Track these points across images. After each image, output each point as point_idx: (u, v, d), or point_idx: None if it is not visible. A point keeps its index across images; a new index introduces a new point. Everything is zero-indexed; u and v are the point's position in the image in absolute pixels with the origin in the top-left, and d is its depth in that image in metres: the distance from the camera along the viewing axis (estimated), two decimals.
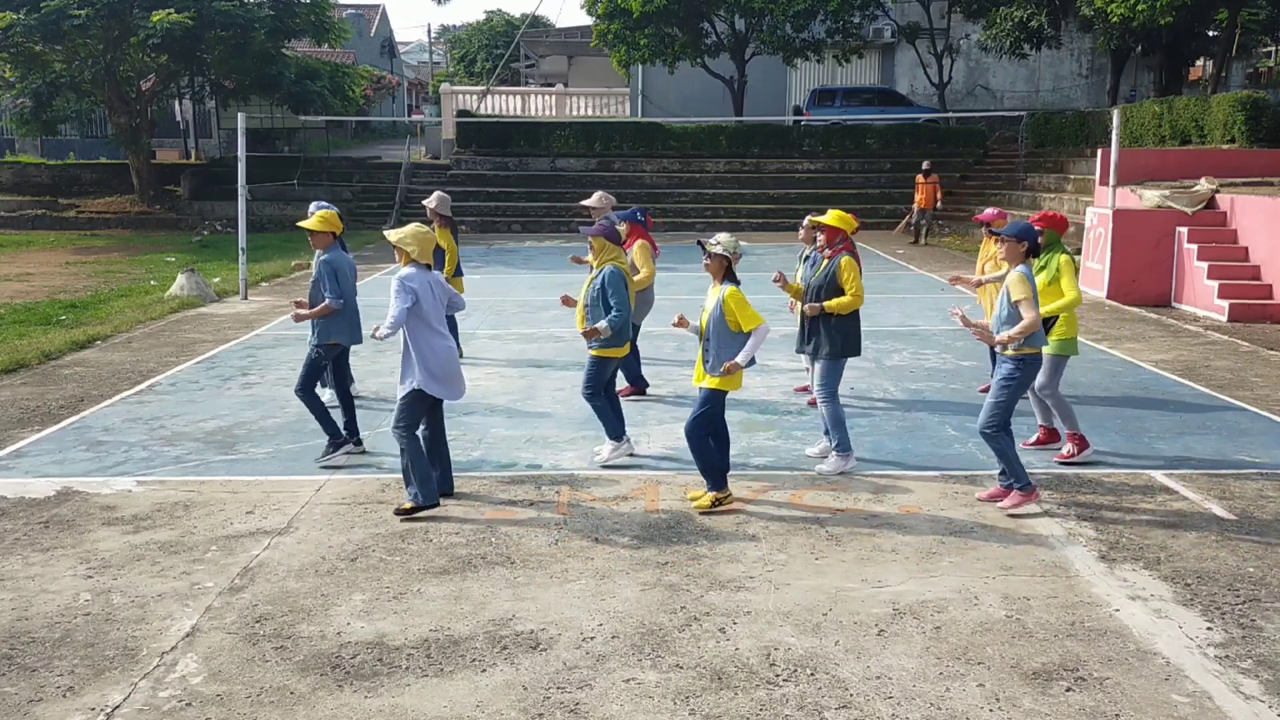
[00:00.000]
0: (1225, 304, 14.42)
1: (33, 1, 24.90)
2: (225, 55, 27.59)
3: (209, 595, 5.65)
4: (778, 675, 4.81)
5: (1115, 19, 23.63)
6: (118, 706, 4.56)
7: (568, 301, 8.20)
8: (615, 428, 7.90)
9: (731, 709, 4.54)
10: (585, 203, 10.40)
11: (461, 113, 33.05)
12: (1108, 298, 15.87)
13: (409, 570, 5.97)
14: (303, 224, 8.07)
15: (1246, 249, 15.45)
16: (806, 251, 9.05)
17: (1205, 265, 15.10)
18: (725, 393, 6.85)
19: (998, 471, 7.09)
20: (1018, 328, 6.61)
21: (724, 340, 6.71)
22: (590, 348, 7.75)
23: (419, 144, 36.78)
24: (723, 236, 6.90)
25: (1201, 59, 35.06)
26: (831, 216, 7.70)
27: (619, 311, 7.59)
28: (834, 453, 7.77)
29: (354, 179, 31.30)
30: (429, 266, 6.92)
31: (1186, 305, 15.34)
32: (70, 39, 25.96)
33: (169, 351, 12.23)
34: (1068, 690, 4.70)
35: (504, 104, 36.49)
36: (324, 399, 8.15)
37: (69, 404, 9.75)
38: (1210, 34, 29.14)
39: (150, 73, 29.28)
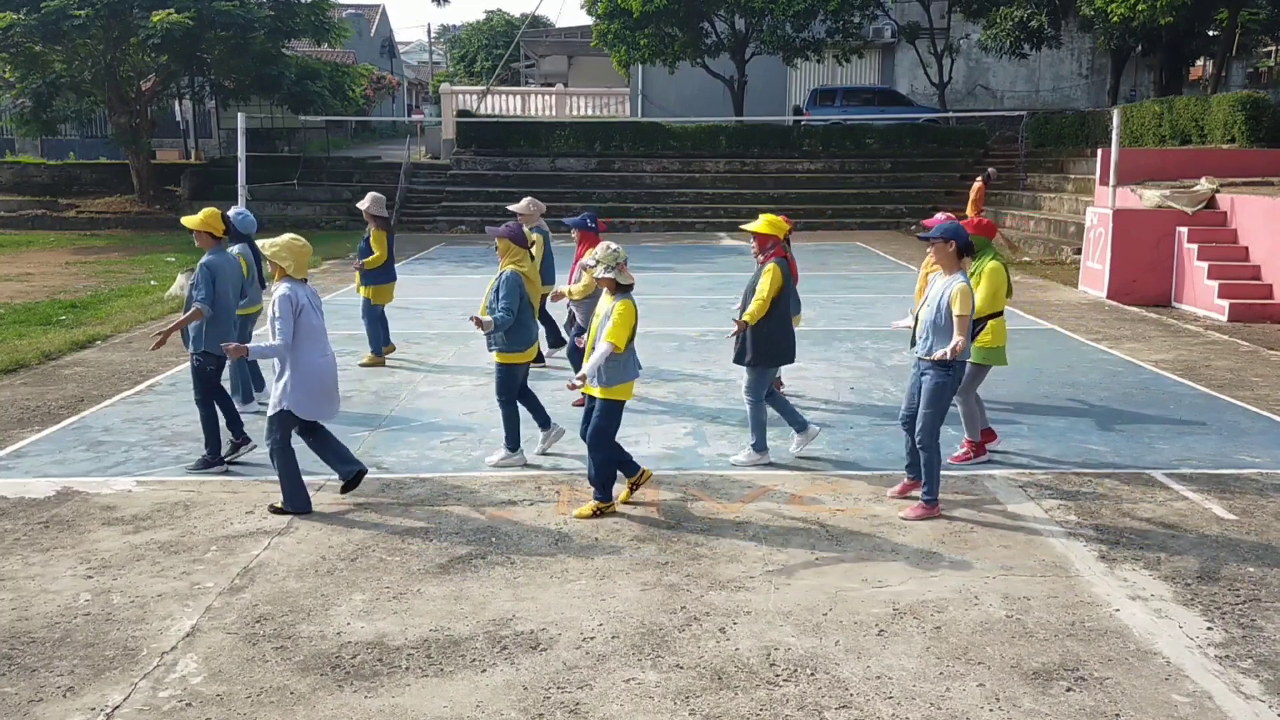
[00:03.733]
0: (1225, 304, 14.42)
1: (33, 1, 24.89)
2: (225, 55, 27.58)
3: (209, 595, 5.65)
4: (778, 675, 4.81)
5: (1115, 19, 23.63)
6: (118, 706, 4.56)
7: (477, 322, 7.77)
8: (514, 439, 7.85)
9: (731, 709, 4.54)
10: (513, 208, 10.46)
11: (461, 113, 33.05)
12: (1108, 298, 15.88)
13: (409, 570, 5.97)
14: (185, 221, 7.81)
15: (1246, 249, 15.45)
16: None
17: (1205, 265, 15.10)
18: (621, 402, 6.80)
19: (906, 464, 7.12)
20: (951, 347, 6.49)
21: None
22: (490, 350, 7.69)
23: (419, 144, 36.77)
24: (600, 254, 6.74)
25: (1201, 59, 35.08)
26: (761, 223, 7.66)
27: (504, 314, 7.51)
28: (750, 448, 7.84)
29: (354, 179, 31.28)
30: (304, 280, 6.79)
31: (1186, 305, 15.34)
32: (70, 39, 25.93)
33: (169, 351, 12.17)
34: (1068, 690, 4.70)
35: (504, 104, 36.49)
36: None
37: (69, 404, 9.75)
38: (1210, 34, 29.14)
39: (150, 73, 29.26)
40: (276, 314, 6.59)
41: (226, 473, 7.73)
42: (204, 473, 7.69)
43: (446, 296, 15.91)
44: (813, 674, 4.83)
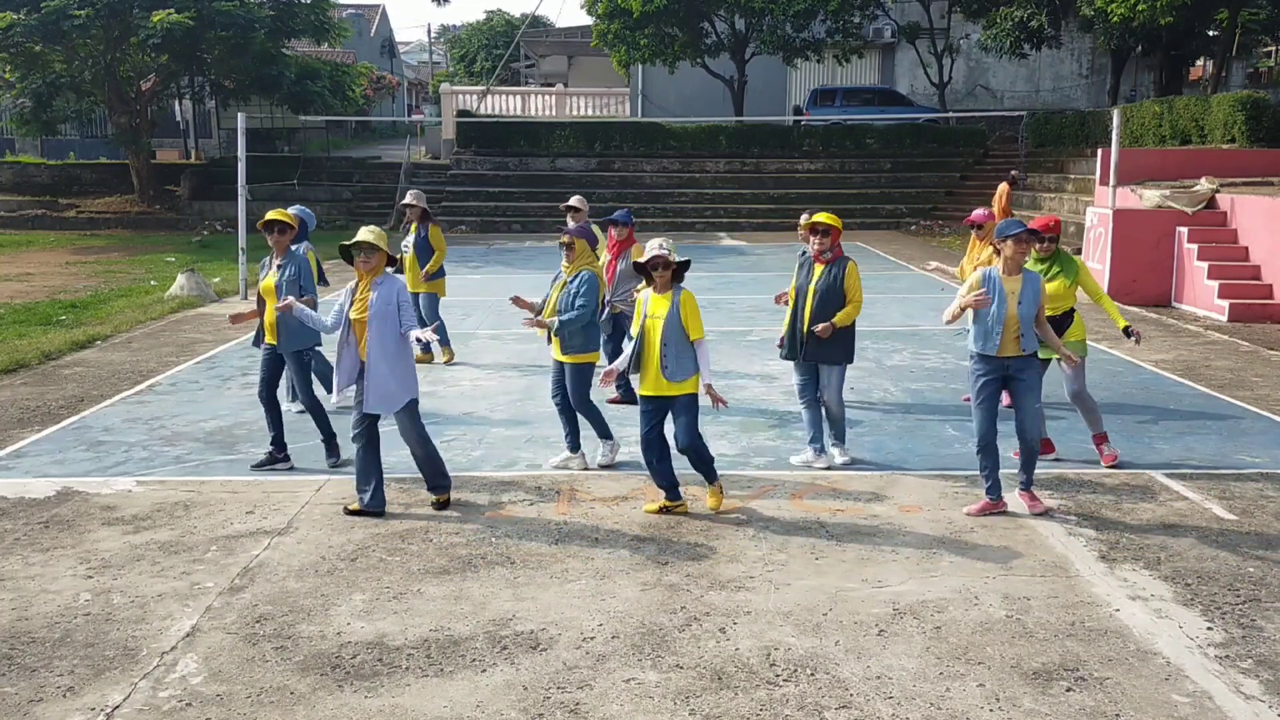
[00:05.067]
0: (1225, 304, 14.42)
1: (33, 1, 24.90)
2: (225, 55, 27.59)
3: (209, 595, 5.65)
4: (778, 675, 4.81)
5: (1115, 19, 23.62)
6: (118, 706, 4.56)
7: (520, 303, 7.78)
8: (606, 428, 7.86)
9: (731, 709, 4.54)
10: (572, 203, 10.26)
11: (461, 113, 33.04)
12: None
13: (409, 570, 5.97)
14: (280, 215, 7.80)
15: (1246, 249, 15.45)
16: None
17: (1205, 265, 15.10)
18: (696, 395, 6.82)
19: (988, 487, 6.88)
20: (1066, 355, 6.86)
21: (682, 347, 6.59)
22: (567, 353, 7.59)
23: (419, 144, 36.78)
24: (666, 242, 6.76)
25: (1201, 59, 35.06)
26: (830, 218, 7.62)
27: (583, 311, 7.50)
28: (842, 446, 7.86)
29: (354, 179, 31.31)
30: None
31: (1187, 305, 15.35)
32: (70, 39, 25.94)
33: (169, 351, 12.23)
34: (1068, 690, 4.70)
35: (504, 104, 36.48)
36: (286, 408, 8.25)
37: (69, 404, 9.75)
38: (1210, 34, 29.13)
39: (150, 73, 29.27)
40: (403, 303, 6.72)
41: (227, 473, 7.73)
42: (337, 465, 7.79)
43: (446, 296, 15.86)
44: (813, 674, 4.83)
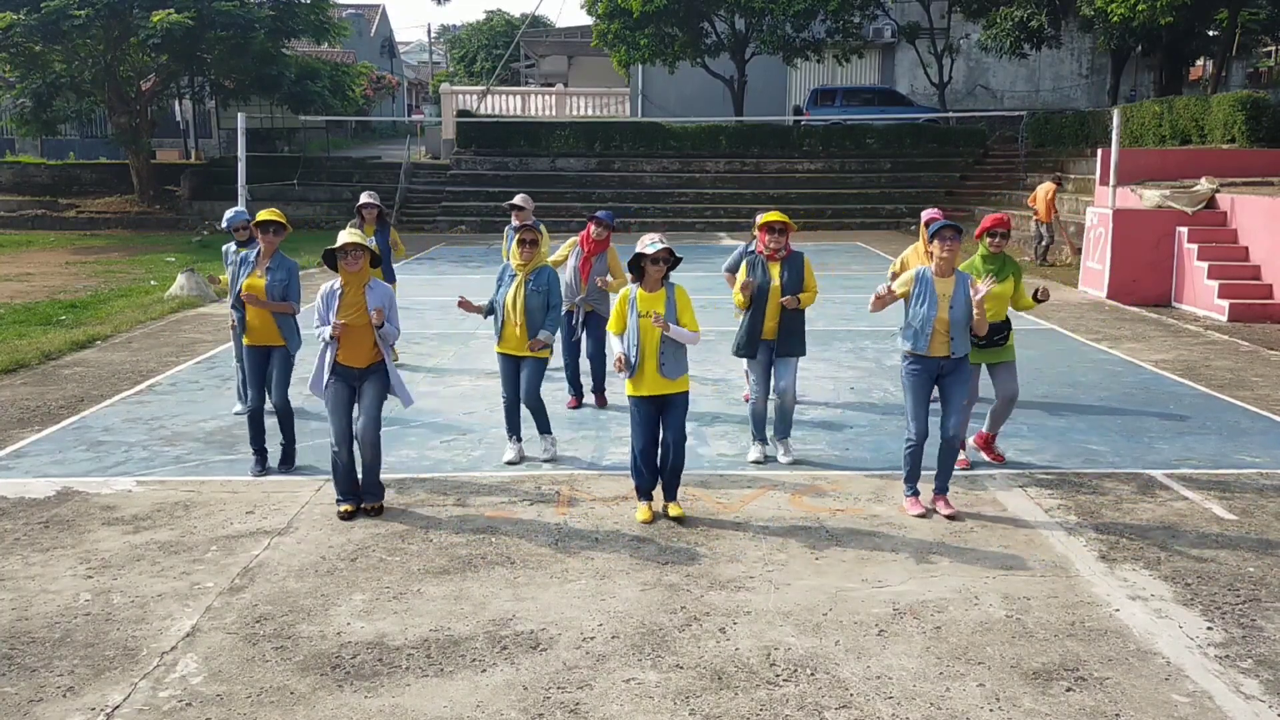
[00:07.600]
0: (1225, 304, 14.42)
1: (33, 1, 24.90)
2: (225, 55, 27.59)
3: (209, 595, 5.65)
4: (778, 675, 4.81)
5: (1115, 19, 23.62)
6: (118, 706, 4.56)
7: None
8: (549, 422, 8.17)
9: (731, 709, 4.54)
10: (517, 201, 10.06)
11: (461, 113, 33.04)
12: (1108, 298, 15.87)
13: (409, 570, 5.97)
14: (275, 216, 7.73)
15: (1246, 249, 15.46)
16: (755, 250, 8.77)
17: (1205, 265, 15.10)
18: None
19: (946, 481, 6.98)
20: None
21: (678, 345, 6.59)
22: (539, 350, 7.76)
23: (419, 144, 36.77)
24: (659, 238, 6.68)
25: (1201, 59, 35.07)
26: (784, 217, 7.67)
27: (560, 308, 7.91)
28: (786, 444, 7.99)
29: (354, 179, 31.27)
30: None
31: (1187, 305, 15.35)
32: (70, 39, 25.95)
33: (169, 351, 12.23)
34: (1068, 690, 4.70)
35: (504, 104, 36.49)
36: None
37: (69, 404, 9.75)
38: (1210, 34, 29.13)
39: (150, 73, 29.27)
40: (395, 304, 6.93)
41: (227, 473, 7.73)
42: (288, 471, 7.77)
43: (446, 296, 15.86)
44: (813, 674, 4.83)
